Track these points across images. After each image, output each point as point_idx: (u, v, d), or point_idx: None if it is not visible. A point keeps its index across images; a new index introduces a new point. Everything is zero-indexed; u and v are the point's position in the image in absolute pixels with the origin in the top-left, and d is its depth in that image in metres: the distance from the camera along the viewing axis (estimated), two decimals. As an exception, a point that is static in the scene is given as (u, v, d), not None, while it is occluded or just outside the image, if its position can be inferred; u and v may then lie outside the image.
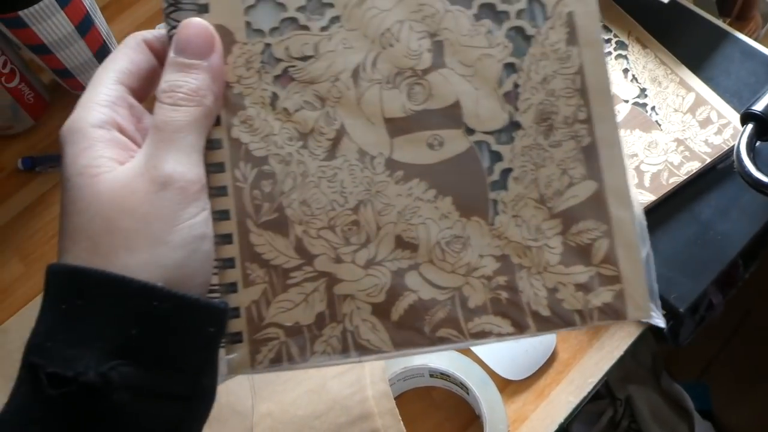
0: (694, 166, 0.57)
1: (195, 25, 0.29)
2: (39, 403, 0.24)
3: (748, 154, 0.50)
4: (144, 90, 0.31)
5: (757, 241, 0.56)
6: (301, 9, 0.31)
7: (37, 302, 0.59)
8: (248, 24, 0.30)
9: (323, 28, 0.30)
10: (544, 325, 0.30)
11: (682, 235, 0.56)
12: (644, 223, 0.31)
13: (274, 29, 0.30)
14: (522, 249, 0.30)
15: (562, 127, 0.31)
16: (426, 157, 0.30)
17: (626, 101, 0.61)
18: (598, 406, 0.97)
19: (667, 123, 0.59)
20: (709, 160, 0.57)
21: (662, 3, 0.64)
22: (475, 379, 0.51)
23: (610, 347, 0.54)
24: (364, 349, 0.29)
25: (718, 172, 0.58)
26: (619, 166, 0.31)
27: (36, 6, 0.56)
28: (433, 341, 0.30)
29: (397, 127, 0.30)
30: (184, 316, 0.26)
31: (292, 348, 0.29)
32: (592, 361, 0.54)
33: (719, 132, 0.58)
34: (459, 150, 0.30)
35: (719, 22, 0.65)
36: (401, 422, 0.46)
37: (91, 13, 0.62)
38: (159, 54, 0.31)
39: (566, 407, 0.52)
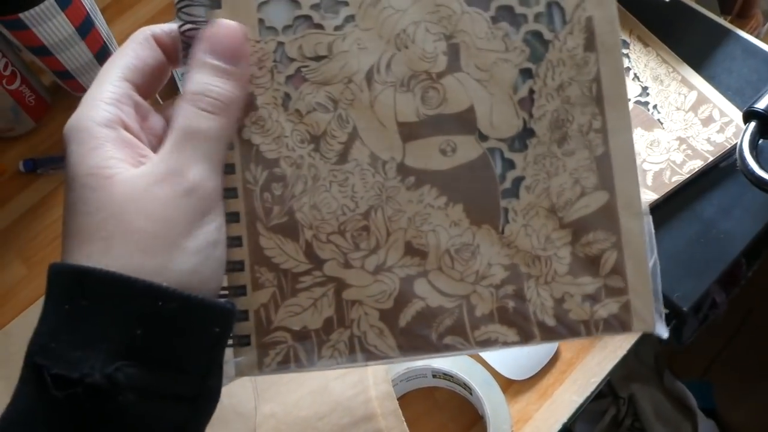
0: (696, 165, 0.57)
1: (229, 27, 0.28)
2: (44, 404, 0.24)
3: (751, 152, 0.50)
4: (150, 86, 0.30)
5: (760, 239, 0.56)
6: (315, 6, 0.30)
7: (39, 305, 0.59)
8: (261, 21, 0.30)
9: (337, 27, 0.30)
10: (550, 334, 0.30)
11: (684, 233, 0.56)
12: (653, 232, 0.31)
13: (287, 27, 0.30)
14: (531, 258, 0.30)
15: (576, 136, 0.30)
16: (438, 163, 0.30)
17: (628, 100, 0.60)
18: (601, 404, 0.97)
19: (669, 121, 0.59)
20: (711, 158, 0.57)
21: (664, 1, 0.63)
22: (478, 379, 0.51)
23: (613, 346, 0.55)
24: (371, 354, 0.30)
25: (721, 170, 0.58)
26: (632, 176, 0.30)
27: (36, 8, 0.56)
28: (440, 348, 0.30)
29: (410, 131, 0.30)
30: (189, 316, 0.26)
31: (300, 352, 0.29)
32: (594, 360, 0.54)
33: (721, 130, 0.58)
34: (471, 156, 0.30)
35: (721, 20, 0.65)
36: (404, 423, 0.47)
37: (91, 14, 0.62)
38: (167, 49, 0.30)
39: (570, 407, 0.52)
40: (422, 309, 0.30)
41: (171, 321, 0.25)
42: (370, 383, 0.47)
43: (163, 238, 0.26)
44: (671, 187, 0.56)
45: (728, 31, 0.64)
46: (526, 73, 0.30)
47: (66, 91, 0.69)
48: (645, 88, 0.61)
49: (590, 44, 0.30)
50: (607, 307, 0.30)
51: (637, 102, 0.60)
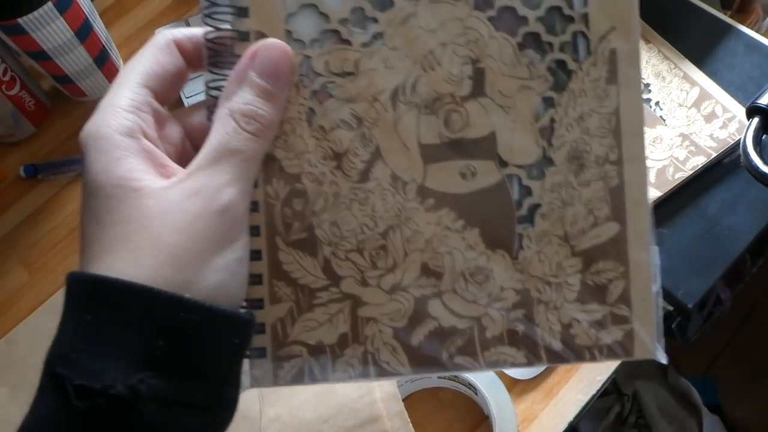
0: (699, 161, 0.57)
1: (279, 48, 0.28)
2: (65, 414, 0.24)
3: (755, 148, 0.50)
4: (168, 93, 0.30)
5: (765, 235, 0.56)
6: (343, 21, 0.30)
7: (42, 311, 0.59)
8: (288, 33, 0.29)
9: (365, 44, 0.30)
10: (556, 358, 0.31)
11: (688, 230, 0.56)
12: (658, 262, 0.32)
13: (314, 41, 0.30)
14: (542, 284, 0.31)
15: (593, 167, 0.31)
16: (458, 187, 0.30)
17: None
18: (606, 402, 0.98)
19: (671, 118, 0.59)
20: (714, 154, 0.57)
21: (664, -3, 0.63)
22: (483, 379, 0.51)
23: None
24: (383, 370, 0.30)
25: (724, 166, 0.58)
26: (643, 209, 0.31)
27: (35, 13, 0.55)
28: (450, 367, 0.31)
29: (431, 153, 0.30)
30: (210, 327, 0.26)
31: (314, 366, 0.30)
32: None
33: (724, 126, 0.58)
34: (491, 182, 0.31)
35: (722, 16, 0.64)
36: (410, 424, 0.47)
37: (90, 18, 0.61)
38: (189, 55, 0.30)
39: (575, 405, 0.53)
40: (435, 329, 0.30)
41: (192, 332, 0.26)
42: (375, 384, 0.47)
43: (194, 253, 0.26)
44: (674, 184, 0.56)
45: (730, 27, 0.63)
46: (549, 102, 0.31)
47: (66, 95, 0.69)
48: (647, 85, 0.61)
49: (612, 77, 0.31)
50: (612, 334, 0.31)
51: (639, 99, 0.61)
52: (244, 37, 0.29)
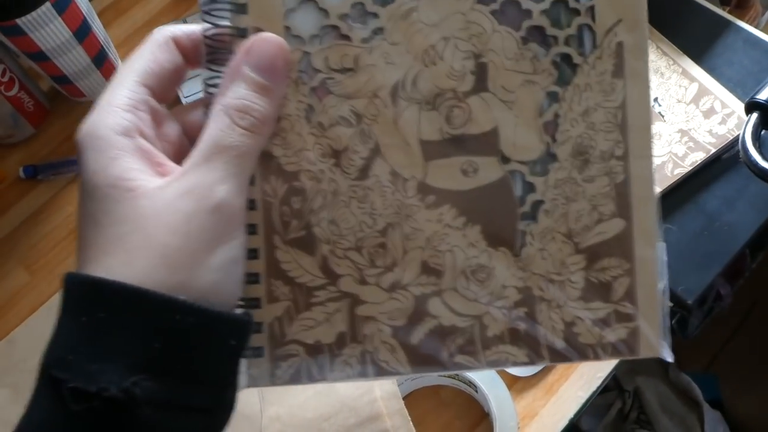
0: (698, 157, 0.57)
1: (273, 42, 0.28)
2: (61, 417, 0.24)
3: (754, 144, 0.50)
4: (166, 91, 0.29)
5: (764, 231, 0.56)
6: (343, 17, 0.29)
7: (42, 312, 0.60)
8: (287, 29, 0.29)
9: (365, 40, 0.29)
10: (558, 357, 0.31)
11: (688, 226, 0.56)
12: (665, 258, 0.32)
13: (314, 36, 0.29)
14: (545, 282, 0.30)
15: (598, 163, 0.30)
16: (459, 184, 0.30)
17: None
18: (607, 398, 0.97)
19: (670, 114, 0.59)
20: (713, 150, 0.57)
21: (662, -8, 0.62)
22: (484, 376, 0.51)
23: None
24: (382, 370, 0.30)
25: (724, 162, 0.58)
26: (650, 205, 0.30)
27: (33, 13, 0.55)
28: (450, 366, 0.30)
29: (432, 150, 0.30)
30: (207, 329, 0.26)
31: (312, 366, 0.30)
32: None
33: (723, 122, 0.58)
34: (493, 178, 0.30)
35: (721, 11, 0.64)
36: (410, 422, 0.47)
37: (88, 18, 0.61)
38: (187, 52, 0.30)
39: (576, 402, 0.53)
40: (435, 327, 0.30)
41: (189, 334, 0.25)
42: (375, 383, 0.47)
43: (187, 254, 0.25)
44: (674, 180, 0.56)
45: (728, 23, 0.63)
46: (553, 97, 0.30)
47: (65, 96, 0.69)
48: None
49: (619, 70, 0.30)
50: (617, 332, 0.31)
51: (638, 95, 0.60)
52: (242, 33, 0.29)
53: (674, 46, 0.62)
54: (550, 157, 0.30)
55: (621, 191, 0.30)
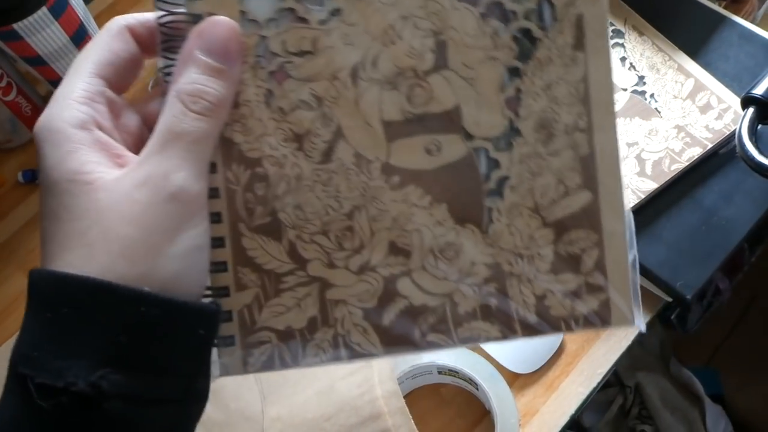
0: (695, 152, 0.57)
1: (224, 24, 0.27)
2: (30, 414, 0.24)
3: (750, 138, 0.50)
4: (123, 81, 0.29)
5: (762, 225, 0.56)
6: (299, -1, 0.29)
7: None
8: (242, 13, 0.29)
9: (322, 22, 0.29)
10: (531, 330, 0.31)
11: (686, 221, 0.56)
12: (633, 228, 0.32)
13: (270, 20, 0.29)
14: (514, 257, 0.30)
15: (562, 136, 0.30)
16: (423, 163, 0.30)
17: (625, 89, 0.60)
18: (608, 394, 0.97)
19: (666, 110, 0.59)
20: (710, 145, 0.57)
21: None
22: (484, 374, 0.51)
23: (618, 337, 0.55)
24: (355, 352, 0.30)
25: (720, 157, 0.58)
26: (616, 176, 0.31)
27: (30, 18, 0.55)
28: (423, 346, 0.30)
29: (395, 130, 0.30)
30: (173, 320, 0.26)
31: (284, 351, 0.30)
32: (600, 351, 0.54)
33: (720, 117, 0.58)
34: (457, 156, 0.30)
35: (716, 6, 0.64)
36: (411, 420, 0.47)
37: (84, 22, 0.61)
38: (143, 41, 0.29)
39: (577, 398, 0.53)
40: (406, 307, 0.30)
41: (155, 326, 0.25)
42: (376, 382, 0.47)
43: (146, 245, 0.25)
44: (671, 176, 0.56)
45: (723, 18, 0.63)
46: (514, 72, 0.30)
47: None
48: (641, 78, 0.60)
49: (579, 43, 0.30)
50: (588, 304, 0.31)
51: (634, 91, 0.60)
52: (197, 20, 0.28)
53: (670, 42, 0.62)
54: (514, 132, 0.30)
55: (586, 164, 0.30)
